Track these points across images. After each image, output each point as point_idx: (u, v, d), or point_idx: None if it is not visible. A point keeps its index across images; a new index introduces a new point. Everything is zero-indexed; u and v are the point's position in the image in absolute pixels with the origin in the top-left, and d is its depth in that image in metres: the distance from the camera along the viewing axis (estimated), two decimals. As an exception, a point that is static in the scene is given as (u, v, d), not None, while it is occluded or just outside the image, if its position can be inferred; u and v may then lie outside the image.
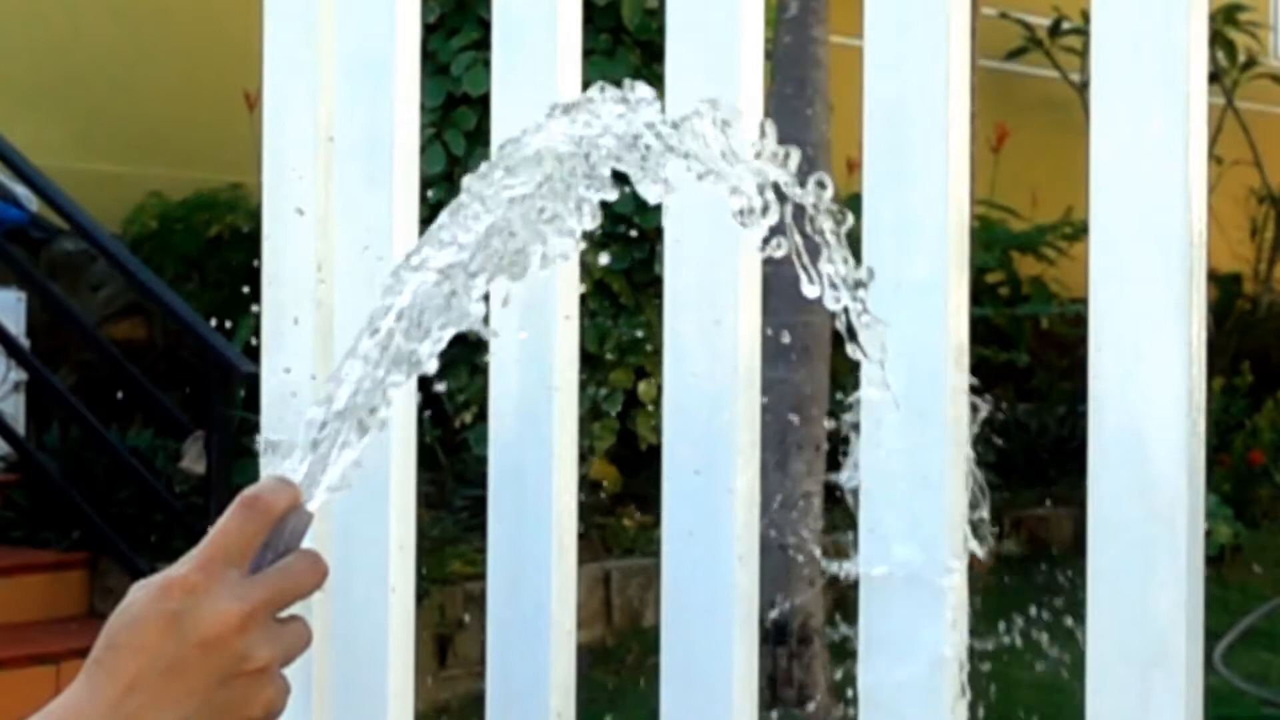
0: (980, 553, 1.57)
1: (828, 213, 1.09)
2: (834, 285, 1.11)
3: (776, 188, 1.09)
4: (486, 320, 1.11)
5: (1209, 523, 1.77)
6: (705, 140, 1.08)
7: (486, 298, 1.11)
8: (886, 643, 1.60)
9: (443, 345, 1.10)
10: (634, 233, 6.21)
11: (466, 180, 1.10)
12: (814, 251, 1.11)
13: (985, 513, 1.56)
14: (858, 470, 1.60)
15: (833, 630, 5.47)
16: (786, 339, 5.27)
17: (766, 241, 1.10)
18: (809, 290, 1.11)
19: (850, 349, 1.15)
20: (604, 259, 6.04)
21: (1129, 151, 1.52)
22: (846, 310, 1.12)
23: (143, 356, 6.47)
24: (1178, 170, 1.50)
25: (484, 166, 1.10)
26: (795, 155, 1.09)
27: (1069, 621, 1.67)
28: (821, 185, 1.09)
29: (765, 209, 1.09)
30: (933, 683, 1.57)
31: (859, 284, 1.12)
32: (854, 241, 1.13)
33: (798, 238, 1.10)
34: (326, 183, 1.93)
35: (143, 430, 6.14)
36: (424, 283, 1.09)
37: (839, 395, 1.50)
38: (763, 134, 1.09)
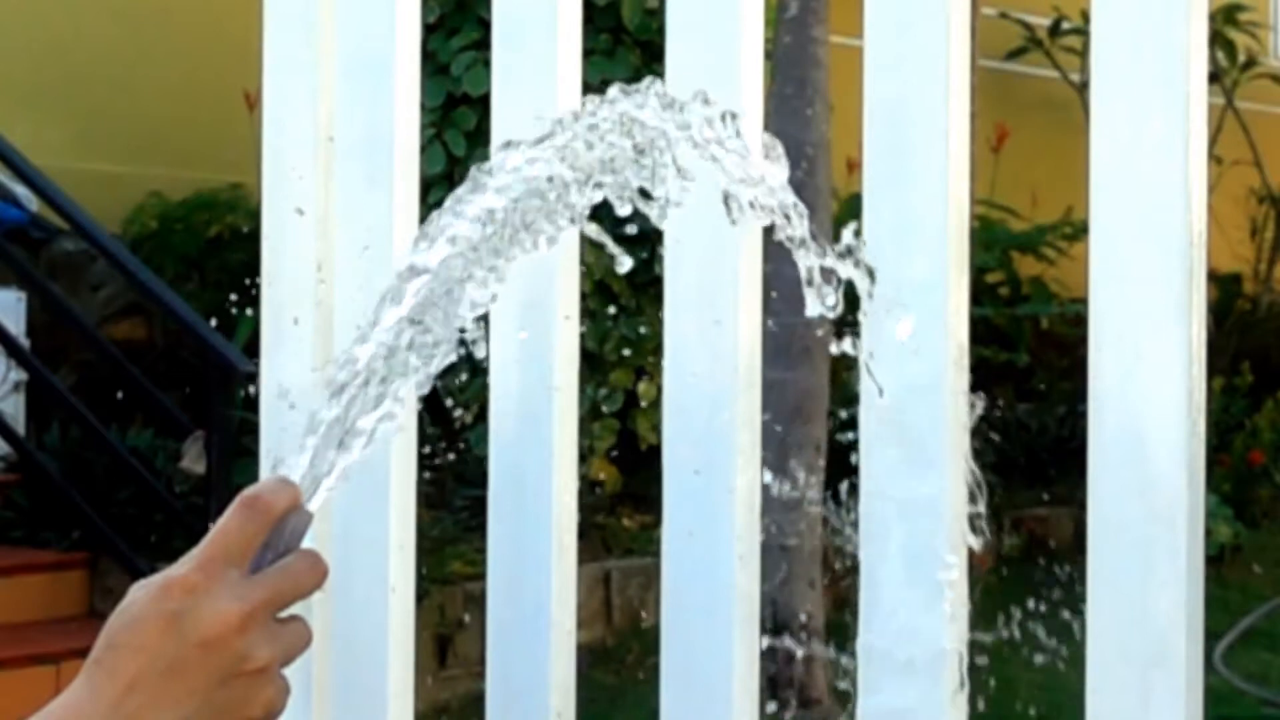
0: (976, 545, 1.57)
1: (866, 272, 1.09)
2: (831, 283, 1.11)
3: (774, 190, 1.09)
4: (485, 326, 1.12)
5: (1209, 523, 1.77)
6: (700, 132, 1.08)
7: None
8: (886, 635, 1.60)
9: (446, 351, 1.10)
10: (632, 233, 6.19)
11: (471, 174, 1.10)
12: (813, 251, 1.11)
13: (981, 507, 1.56)
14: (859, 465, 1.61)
15: (832, 630, 5.47)
16: (786, 339, 5.27)
17: (767, 236, 1.10)
18: (813, 307, 1.11)
19: (852, 346, 1.15)
20: (605, 255, 6.03)
21: (1129, 151, 1.52)
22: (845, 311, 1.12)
23: (143, 356, 6.46)
24: (1178, 170, 1.50)
25: (481, 169, 1.10)
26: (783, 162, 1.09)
27: (1068, 621, 1.67)
28: (854, 254, 1.08)
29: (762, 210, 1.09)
30: (932, 675, 1.58)
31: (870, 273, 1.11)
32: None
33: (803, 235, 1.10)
34: (326, 183, 1.93)
35: (143, 430, 6.14)
36: (422, 288, 1.09)
37: (840, 392, 1.50)
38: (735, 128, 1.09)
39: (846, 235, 1.11)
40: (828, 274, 1.10)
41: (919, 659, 1.58)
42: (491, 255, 1.09)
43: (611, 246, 1.13)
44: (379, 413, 1.09)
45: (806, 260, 1.10)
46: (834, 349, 1.21)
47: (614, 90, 1.09)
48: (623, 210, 1.10)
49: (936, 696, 1.58)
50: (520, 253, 1.09)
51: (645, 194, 1.10)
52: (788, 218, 1.09)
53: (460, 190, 1.10)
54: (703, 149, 1.08)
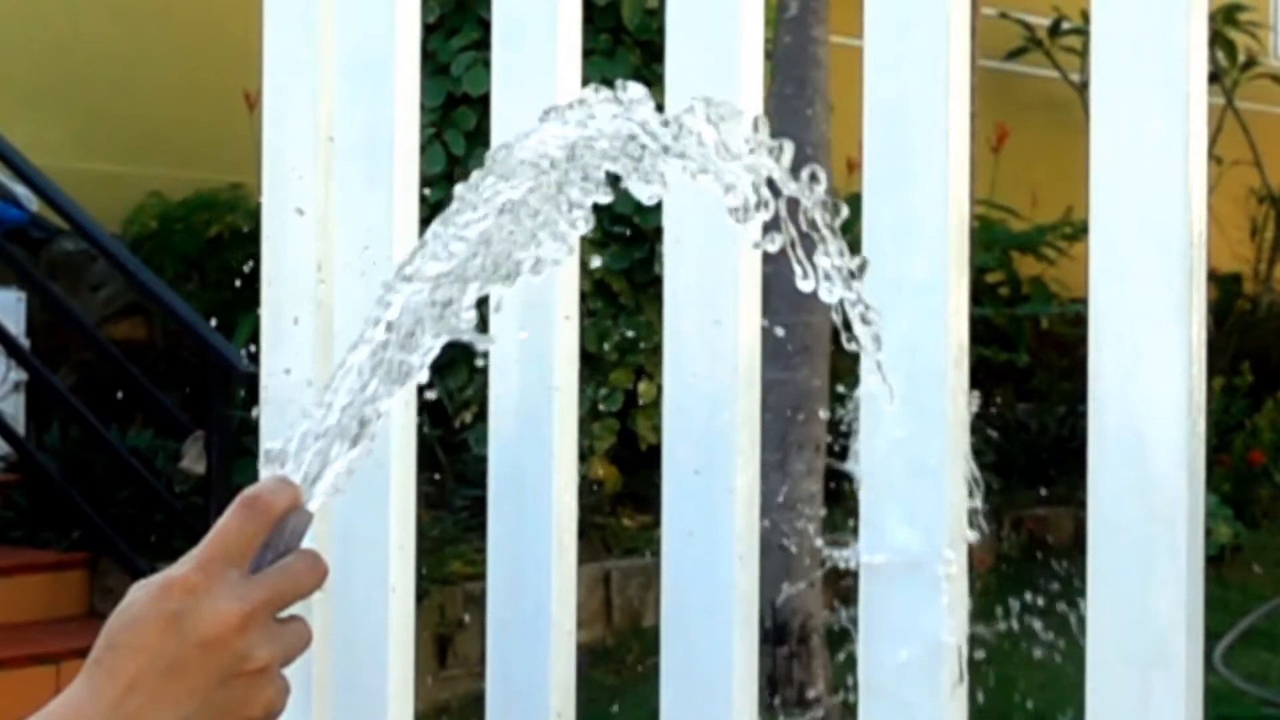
0: (973, 538, 1.57)
1: (821, 205, 1.09)
2: (828, 277, 1.11)
3: (771, 183, 1.09)
4: (485, 327, 1.12)
5: (1209, 523, 1.77)
6: (699, 137, 1.08)
7: (482, 303, 1.11)
8: (886, 629, 1.60)
9: (434, 355, 1.10)
10: (632, 232, 6.21)
11: (459, 189, 1.10)
12: (809, 246, 1.11)
13: (979, 503, 1.56)
14: (860, 463, 1.60)
15: (833, 630, 5.47)
16: (786, 339, 5.27)
17: (765, 233, 1.10)
18: (803, 284, 1.11)
19: (846, 340, 1.15)
20: (600, 259, 6.03)
21: (1129, 151, 1.52)
22: (843, 302, 1.12)
23: (143, 356, 6.46)
24: (1178, 170, 1.50)
25: (475, 174, 1.10)
26: (789, 148, 1.09)
27: (1068, 621, 1.67)
28: (815, 179, 1.09)
29: (760, 205, 1.09)
30: (932, 668, 1.58)
31: (853, 275, 1.12)
32: (854, 242, 1.13)
33: (793, 231, 1.10)
34: (326, 183, 1.93)
35: (143, 430, 6.14)
36: (417, 292, 1.09)
37: (840, 391, 1.49)
38: (755, 129, 1.09)
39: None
40: (809, 243, 1.10)
41: (918, 653, 1.58)
42: (477, 280, 1.09)
43: (573, 242, 1.13)
44: (371, 426, 1.09)
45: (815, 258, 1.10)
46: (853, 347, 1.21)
47: (604, 104, 1.08)
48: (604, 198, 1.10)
49: (936, 691, 1.58)
50: (503, 280, 1.09)
51: (615, 179, 1.10)
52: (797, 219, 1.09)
53: (446, 213, 1.10)
54: (704, 168, 1.08)
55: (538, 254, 1.10)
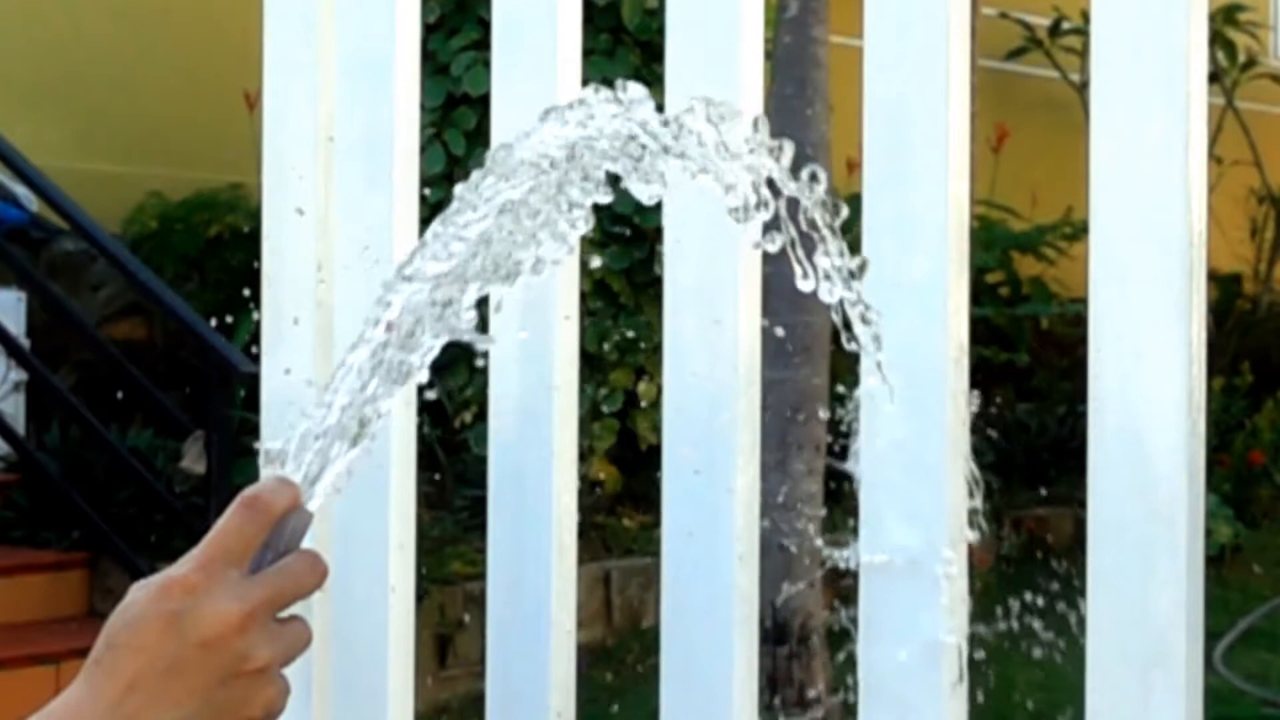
0: (973, 538, 1.57)
1: (821, 205, 1.09)
2: (828, 277, 1.11)
3: (771, 183, 1.09)
4: (484, 328, 1.12)
5: (1209, 523, 1.77)
6: (699, 137, 1.08)
7: (482, 303, 1.11)
8: (886, 629, 1.60)
9: (434, 354, 1.10)
10: (632, 232, 6.21)
11: (458, 189, 1.10)
12: (809, 246, 1.11)
13: (979, 502, 1.56)
14: (859, 463, 1.60)
15: (833, 630, 5.47)
16: (786, 339, 5.27)
17: (765, 233, 1.10)
18: (803, 284, 1.11)
19: (846, 340, 1.15)
20: (600, 259, 6.03)
21: (1129, 151, 1.52)
22: (843, 302, 1.12)
23: (143, 356, 6.46)
24: (1178, 170, 1.50)
25: (475, 174, 1.10)
26: (789, 148, 1.09)
27: (1067, 620, 1.67)
28: (815, 179, 1.09)
29: (760, 204, 1.09)
30: (932, 668, 1.58)
31: (853, 275, 1.12)
32: (854, 243, 1.13)
33: (793, 231, 1.10)
34: (326, 183, 1.93)
35: (143, 430, 6.14)
36: (417, 292, 1.09)
37: (840, 391, 1.49)
38: (755, 128, 1.09)
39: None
40: (810, 242, 1.10)
41: (918, 653, 1.58)
42: (475, 280, 1.09)
43: (573, 242, 1.13)
44: (371, 425, 1.09)
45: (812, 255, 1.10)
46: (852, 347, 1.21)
47: (604, 104, 1.08)
48: (604, 198, 1.10)
49: (936, 690, 1.58)
50: (503, 280, 1.09)
51: (615, 179, 1.10)
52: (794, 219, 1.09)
53: (446, 214, 1.10)
54: (703, 167, 1.08)
55: (538, 254, 1.10)
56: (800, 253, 1.11)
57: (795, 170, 1.10)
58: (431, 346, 1.10)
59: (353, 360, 1.10)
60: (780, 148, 1.09)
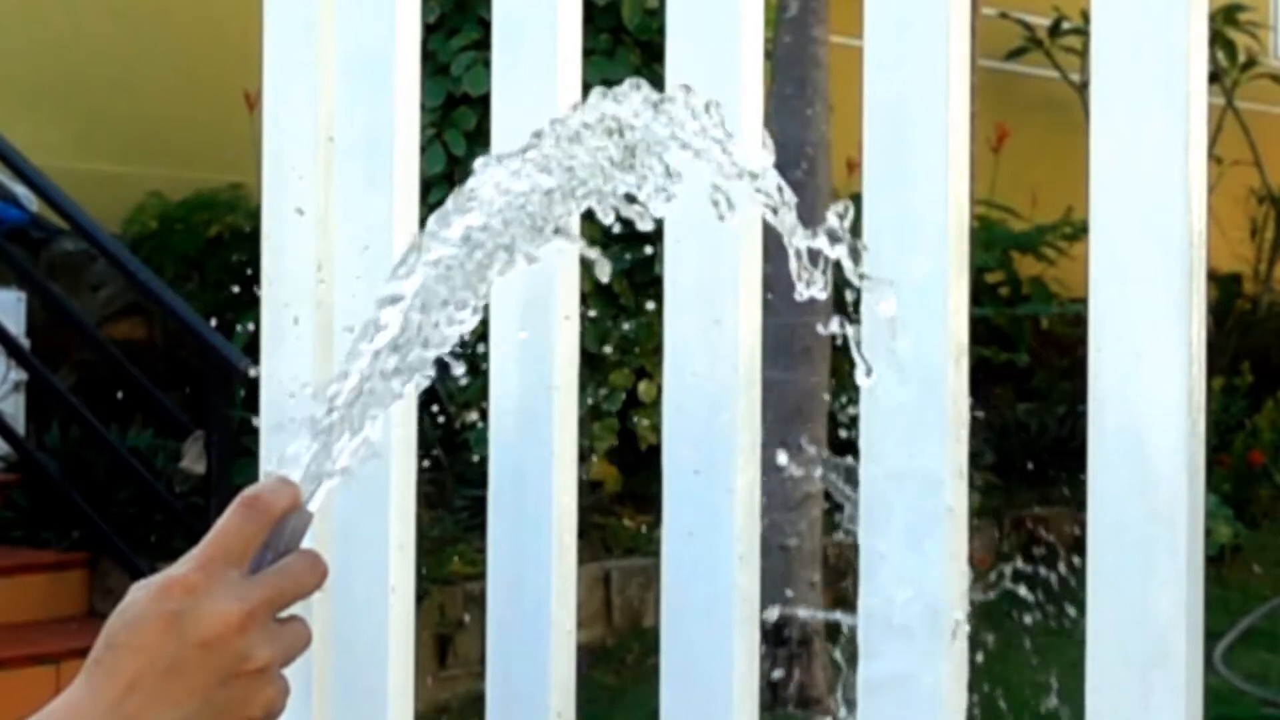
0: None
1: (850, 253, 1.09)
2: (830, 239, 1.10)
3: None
4: (485, 327, 1.12)
5: (1209, 523, 1.77)
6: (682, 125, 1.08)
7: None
8: (886, 629, 1.60)
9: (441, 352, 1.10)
10: (632, 233, 6.19)
11: (450, 202, 1.10)
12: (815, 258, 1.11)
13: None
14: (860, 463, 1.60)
15: (833, 630, 5.46)
16: (786, 339, 5.27)
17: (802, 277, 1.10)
18: (803, 291, 1.11)
19: (845, 331, 1.15)
20: (606, 270, 6.02)
21: (1129, 151, 1.52)
22: (840, 265, 1.12)
23: (143, 356, 6.46)
24: (1178, 170, 1.50)
25: (450, 206, 1.09)
26: (769, 146, 1.08)
27: (1067, 621, 1.67)
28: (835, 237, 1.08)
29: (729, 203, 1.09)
30: (932, 667, 1.58)
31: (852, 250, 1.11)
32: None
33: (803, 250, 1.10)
34: (326, 183, 1.93)
35: (143, 430, 6.14)
36: (417, 294, 1.09)
37: (840, 394, 1.49)
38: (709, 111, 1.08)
39: (831, 218, 1.11)
40: (814, 256, 1.10)
41: (918, 652, 1.58)
42: (473, 278, 1.09)
43: (589, 252, 1.13)
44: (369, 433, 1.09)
45: (795, 243, 1.10)
46: (832, 328, 1.21)
47: (594, 94, 1.09)
48: (606, 219, 1.10)
49: (936, 689, 1.58)
50: (498, 274, 1.09)
51: (631, 198, 1.10)
52: (774, 210, 1.09)
53: (441, 211, 1.10)
54: (688, 145, 1.08)
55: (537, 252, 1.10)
56: (805, 261, 1.10)
57: (787, 168, 1.10)
58: (433, 346, 1.10)
59: (354, 360, 1.10)
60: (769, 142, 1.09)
